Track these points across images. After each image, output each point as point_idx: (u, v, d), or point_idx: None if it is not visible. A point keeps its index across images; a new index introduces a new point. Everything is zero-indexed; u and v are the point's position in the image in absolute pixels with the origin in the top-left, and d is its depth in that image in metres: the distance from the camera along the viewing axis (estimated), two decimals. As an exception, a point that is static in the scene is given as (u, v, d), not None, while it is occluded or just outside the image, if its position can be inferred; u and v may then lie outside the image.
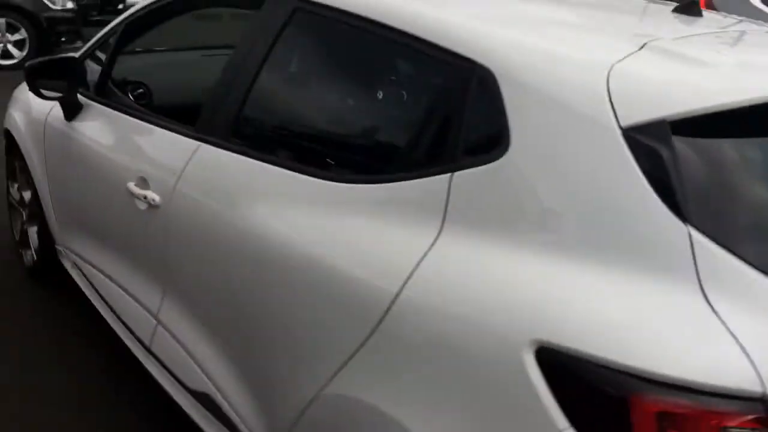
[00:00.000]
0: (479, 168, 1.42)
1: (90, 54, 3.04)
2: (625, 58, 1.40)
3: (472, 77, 1.49)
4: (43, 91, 2.77)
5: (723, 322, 1.14)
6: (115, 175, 2.45)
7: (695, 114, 1.28)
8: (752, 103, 1.30)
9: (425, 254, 1.44)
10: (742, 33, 1.94)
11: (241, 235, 1.86)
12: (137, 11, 2.80)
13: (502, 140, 1.40)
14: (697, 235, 1.20)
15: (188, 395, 2.19)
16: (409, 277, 1.43)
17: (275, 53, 2.04)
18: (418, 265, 1.44)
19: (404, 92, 1.84)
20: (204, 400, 2.11)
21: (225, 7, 3.59)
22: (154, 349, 2.36)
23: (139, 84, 3.27)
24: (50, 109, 3.03)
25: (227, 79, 2.14)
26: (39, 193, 3.23)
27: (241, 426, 1.96)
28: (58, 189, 3.06)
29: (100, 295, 2.76)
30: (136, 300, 2.45)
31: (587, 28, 1.84)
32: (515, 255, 1.33)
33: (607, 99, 1.32)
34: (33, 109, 3.22)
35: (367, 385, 1.50)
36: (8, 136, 3.54)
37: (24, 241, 3.58)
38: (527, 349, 1.22)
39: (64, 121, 2.86)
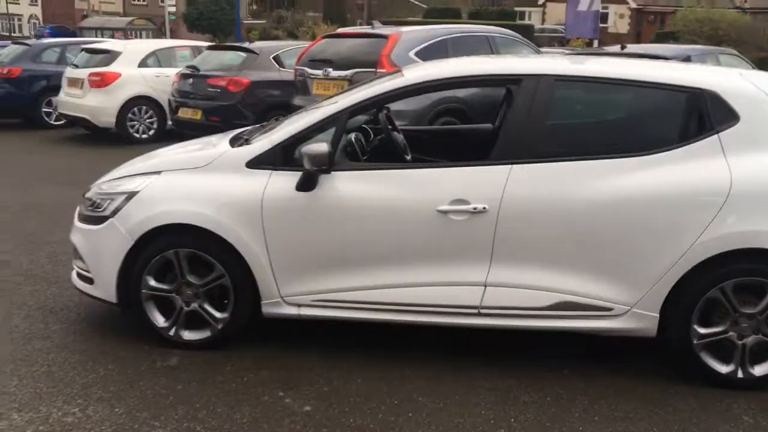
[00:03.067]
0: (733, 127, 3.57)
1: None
2: None
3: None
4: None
5: None
6: (412, 207, 3.71)
7: None
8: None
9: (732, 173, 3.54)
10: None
11: (585, 202, 3.58)
12: (361, 101, 3.94)
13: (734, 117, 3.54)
14: None
15: (541, 314, 3.70)
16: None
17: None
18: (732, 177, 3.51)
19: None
20: (561, 307, 3.68)
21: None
22: (485, 304, 3.71)
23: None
24: (264, 188, 3.79)
25: (515, 121, 3.76)
26: (249, 264, 3.85)
27: (607, 304, 3.65)
28: (287, 252, 3.84)
29: (366, 307, 3.84)
30: (452, 284, 3.72)
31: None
32: None
33: None
34: (228, 195, 3.85)
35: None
36: (163, 232, 3.94)
37: (196, 319, 4.03)
38: None
39: (299, 192, 3.76)
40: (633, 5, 43.15)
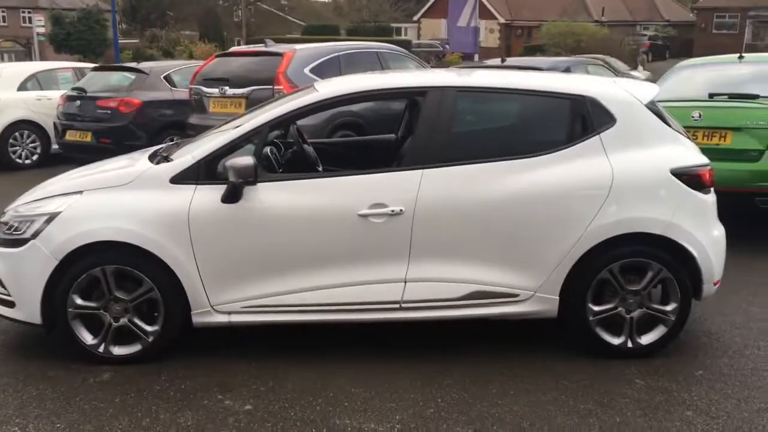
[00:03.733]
0: (611, 128, 4.09)
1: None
2: None
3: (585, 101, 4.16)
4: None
5: None
6: (335, 213, 3.98)
7: None
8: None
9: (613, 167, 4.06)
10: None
11: (490, 200, 4.00)
12: (280, 116, 4.19)
13: (611, 119, 4.08)
14: None
15: (456, 304, 4.06)
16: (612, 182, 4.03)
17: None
18: (613, 171, 4.06)
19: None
20: (474, 296, 4.06)
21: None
22: (406, 298, 4.04)
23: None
24: (189, 202, 3.96)
25: (422, 130, 4.11)
26: (179, 276, 4.00)
27: (513, 290, 4.06)
28: (215, 262, 4.01)
29: (294, 310, 4.07)
30: (375, 282, 4.02)
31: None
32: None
33: None
34: (153, 210, 3.98)
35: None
36: (88, 250, 4.01)
37: (125, 334, 4.13)
38: None
39: (225, 204, 3.94)
40: (501, 20, 45.21)
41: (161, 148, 4.85)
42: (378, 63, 9.44)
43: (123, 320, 4.11)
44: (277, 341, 4.37)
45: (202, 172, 4.05)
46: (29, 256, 4.05)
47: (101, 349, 4.12)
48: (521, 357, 4.17)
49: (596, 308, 4.10)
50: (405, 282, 4.05)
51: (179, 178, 4.05)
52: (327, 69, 8.64)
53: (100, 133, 9.80)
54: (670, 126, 4.24)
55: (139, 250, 4.00)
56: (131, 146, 9.82)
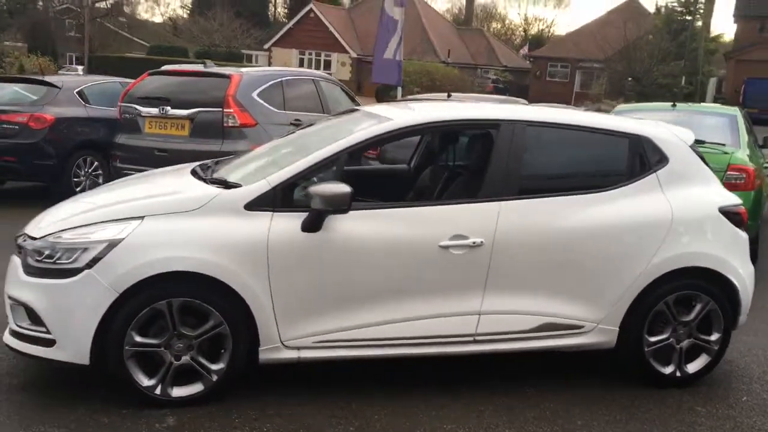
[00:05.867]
0: (665, 167, 4.34)
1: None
2: None
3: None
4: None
5: None
6: (417, 244, 3.90)
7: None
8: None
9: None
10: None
11: (563, 234, 4.10)
12: (357, 143, 4.03)
13: (665, 158, 4.35)
14: None
15: (527, 336, 4.11)
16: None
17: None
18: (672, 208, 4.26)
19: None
20: (544, 328, 4.12)
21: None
22: (480, 331, 4.04)
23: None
24: (267, 230, 3.73)
25: (498, 162, 4.14)
26: (252, 309, 3.73)
27: (580, 322, 4.17)
28: (291, 294, 3.78)
29: (368, 345, 3.93)
30: (450, 315, 3.98)
31: None
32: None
33: None
34: (229, 239, 3.70)
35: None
36: (152, 282, 3.63)
37: (183, 373, 3.76)
38: None
39: (304, 233, 3.75)
40: (353, 54, 46.11)
41: (205, 164, 4.52)
42: (315, 90, 9.37)
43: (185, 358, 3.74)
44: (335, 379, 4.16)
45: (278, 199, 3.82)
46: (82, 288, 3.60)
47: (158, 390, 3.73)
48: (578, 390, 4.26)
49: (651, 339, 4.29)
50: (479, 314, 4.02)
51: (254, 204, 3.79)
52: (272, 93, 8.46)
53: (3, 151, 8.84)
54: (709, 167, 4.56)
55: (209, 282, 3.68)
56: (40, 165, 9.05)
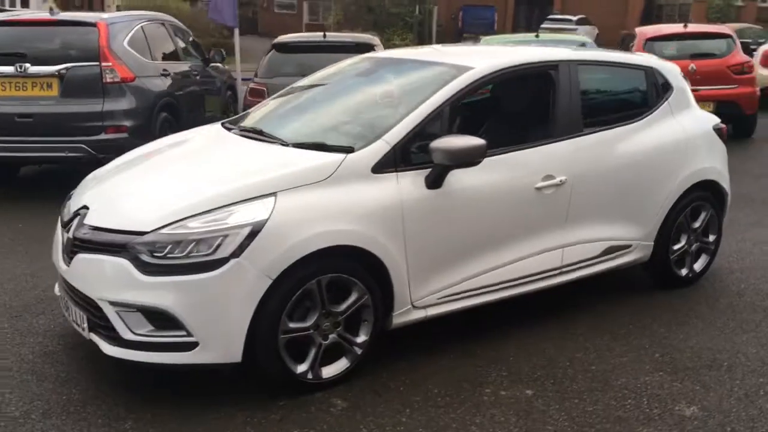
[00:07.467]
0: (672, 94, 4.83)
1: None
2: None
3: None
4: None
5: None
6: (518, 188, 4.03)
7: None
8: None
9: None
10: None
11: (619, 163, 4.46)
12: (454, 95, 3.94)
13: (670, 87, 4.85)
14: None
15: (596, 261, 4.47)
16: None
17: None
18: (685, 131, 4.82)
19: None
20: (607, 251, 4.50)
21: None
22: (564, 263, 4.28)
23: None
24: (399, 192, 3.58)
25: (562, 102, 4.32)
26: (392, 276, 3.59)
27: (630, 242, 4.61)
28: (422, 254, 3.69)
29: (477, 293, 3.97)
30: (539, 253, 4.14)
31: None
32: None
33: None
34: (366, 206, 3.51)
35: None
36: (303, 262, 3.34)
37: (334, 349, 3.54)
38: None
39: (431, 191, 3.68)
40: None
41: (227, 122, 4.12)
42: (168, 34, 8.62)
43: (332, 336, 3.49)
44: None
45: (398, 158, 3.65)
46: (230, 280, 3.17)
47: (310, 375, 3.45)
48: (623, 310, 4.74)
49: (674, 247, 4.87)
50: (564, 248, 4.26)
51: (379, 167, 3.60)
52: (138, 41, 7.68)
53: None
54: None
55: (352, 254, 3.45)
56: None
